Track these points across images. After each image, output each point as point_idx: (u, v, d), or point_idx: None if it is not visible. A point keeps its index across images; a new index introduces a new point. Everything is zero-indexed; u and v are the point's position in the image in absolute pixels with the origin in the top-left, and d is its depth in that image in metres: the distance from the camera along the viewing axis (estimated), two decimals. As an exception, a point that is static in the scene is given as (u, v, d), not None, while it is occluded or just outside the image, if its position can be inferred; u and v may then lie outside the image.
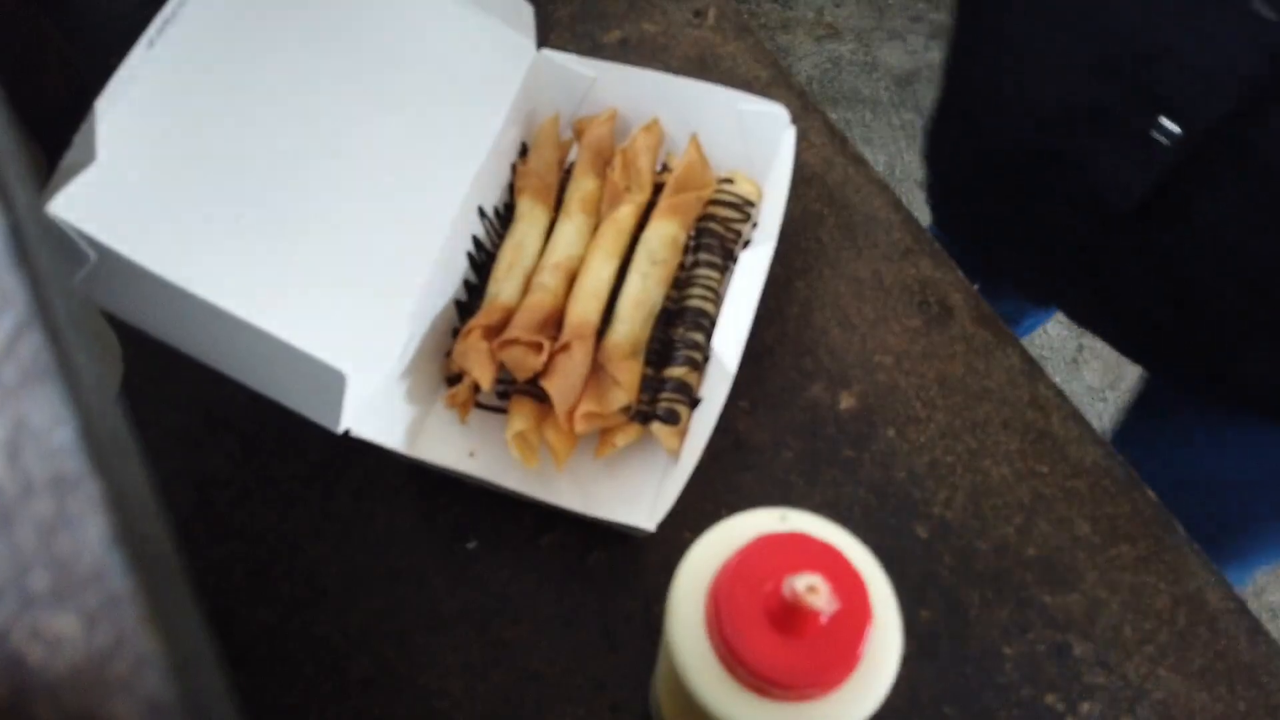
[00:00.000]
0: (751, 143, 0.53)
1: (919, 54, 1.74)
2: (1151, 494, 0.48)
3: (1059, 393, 0.50)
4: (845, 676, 0.28)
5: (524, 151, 0.55)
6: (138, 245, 0.36)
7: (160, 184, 0.39)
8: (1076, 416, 0.50)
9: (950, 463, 0.49)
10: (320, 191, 0.45)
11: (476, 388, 0.48)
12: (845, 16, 1.79)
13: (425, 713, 0.43)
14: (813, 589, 0.27)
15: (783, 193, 0.49)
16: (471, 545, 0.47)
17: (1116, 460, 0.49)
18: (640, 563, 0.47)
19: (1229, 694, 0.44)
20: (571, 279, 0.50)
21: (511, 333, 0.47)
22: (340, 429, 0.42)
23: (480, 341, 0.47)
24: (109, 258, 0.36)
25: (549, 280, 0.49)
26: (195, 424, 0.49)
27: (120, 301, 0.39)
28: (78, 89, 0.59)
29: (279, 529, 0.47)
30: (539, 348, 0.47)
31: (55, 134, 0.56)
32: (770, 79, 0.60)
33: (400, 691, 0.44)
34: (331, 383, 0.41)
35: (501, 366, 0.47)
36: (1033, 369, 0.51)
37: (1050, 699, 0.44)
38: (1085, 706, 0.44)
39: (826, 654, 0.28)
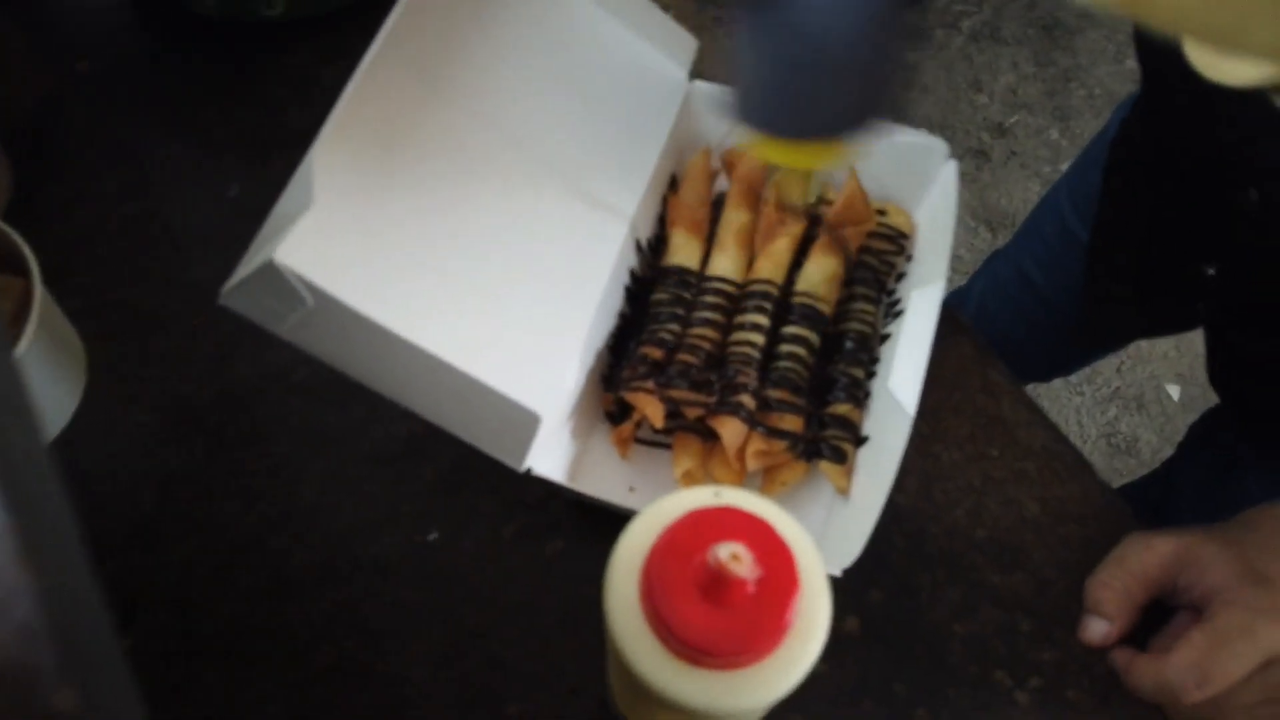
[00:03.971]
0: (904, 174, 0.53)
1: (896, 55, 1.76)
2: (1100, 477, 0.49)
3: (1010, 377, 0.51)
4: (775, 644, 0.29)
5: (673, 183, 0.56)
6: (352, 291, 0.37)
7: (362, 228, 0.41)
8: (1026, 401, 0.51)
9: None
10: (495, 234, 0.46)
11: (639, 424, 0.48)
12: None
13: (390, 701, 0.44)
14: (735, 557, 0.28)
15: (949, 228, 0.49)
16: (433, 537, 0.48)
17: (1066, 443, 0.50)
18: (598, 551, 0.47)
19: (1172, 667, 0.45)
20: (730, 313, 0.51)
21: (678, 370, 0.48)
22: (524, 468, 0.43)
23: (648, 380, 0.48)
24: (325, 302, 0.37)
25: (709, 314, 0.50)
26: (160, 423, 0.50)
27: (324, 343, 0.39)
28: (43, 96, 0.60)
29: (242, 523, 0.47)
30: (708, 386, 0.47)
31: (23, 143, 0.57)
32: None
33: (365, 680, 0.44)
34: (523, 422, 0.41)
35: (669, 402, 0.47)
36: (983, 355, 0.52)
37: (999, 675, 0.45)
38: (1033, 681, 0.45)
39: (755, 622, 0.29)
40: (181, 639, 0.45)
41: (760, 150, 0.35)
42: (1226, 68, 0.30)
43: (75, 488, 0.48)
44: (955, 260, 1.54)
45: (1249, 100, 0.22)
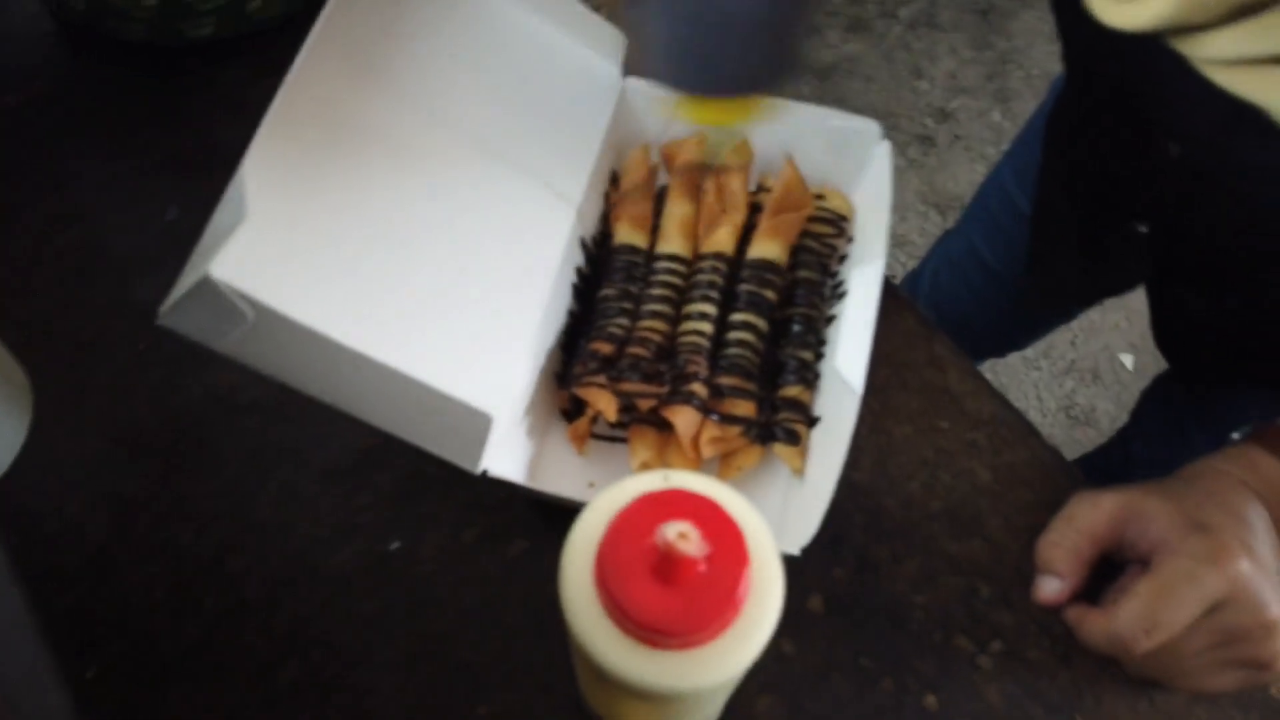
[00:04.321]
0: (839, 158, 0.54)
1: (837, 48, 1.78)
2: (1046, 440, 0.50)
3: (954, 350, 0.52)
4: (729, 619, 0.30)
5: (614, 179, 0.56)
6: (293, 302, 0.37)
7: (300, 238, 0.40)
8: (972, 371, 0.52)
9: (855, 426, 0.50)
10: (438, 233, 0.46)
11: (594, 419, 0.48)
12: (762, 15, 1.81)
13: (357, 712, 0.44)
14: (683, 535, 0.28)
15: (885, 207, 0.50)
16: (394, 546, 0.48)
17: (1012, 410, 0.51)
18: (561, 548, 0.48)
19: (1128, 621, 0.46)
20: (678, 304, 0.51)
21: (629, 363, 0.48)
22: (479, 470, 0.42)
23: (599, 374, 0.48)
24: (267, 316, 0.36)
25: (657, 307, 0.50)
26: (109, 449, 0.49)
27: (269, 358, 0.39)
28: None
29: (199, 546, 0.47)
30: (660, 377, 0.47)
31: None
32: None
33: (330, 693, 0.44)
34: (475, 424, 0.41)
35: (622, 396, 0.47)
36: (927, 330, 0.53)
37: (961, 641, 0.45)
38: (995, 645, 0.45)
39: (708, 599, 0.29)
40: (144, 666, 0.44)
41: (681, 109, 0.36)
42: (1118, 11, 0.31)
43: (26, 522, 0.48)
44: (908, 245, 1.56)
45: (1157, 51, 0.23)
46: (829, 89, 1.73)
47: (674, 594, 0.29)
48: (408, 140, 0.46)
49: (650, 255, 0.53)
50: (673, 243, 0.53)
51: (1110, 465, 0.82)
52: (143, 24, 0.57)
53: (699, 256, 0.52)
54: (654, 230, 0.54)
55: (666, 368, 0.48)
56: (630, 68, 0.36)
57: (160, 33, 0.59)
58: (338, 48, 0.43)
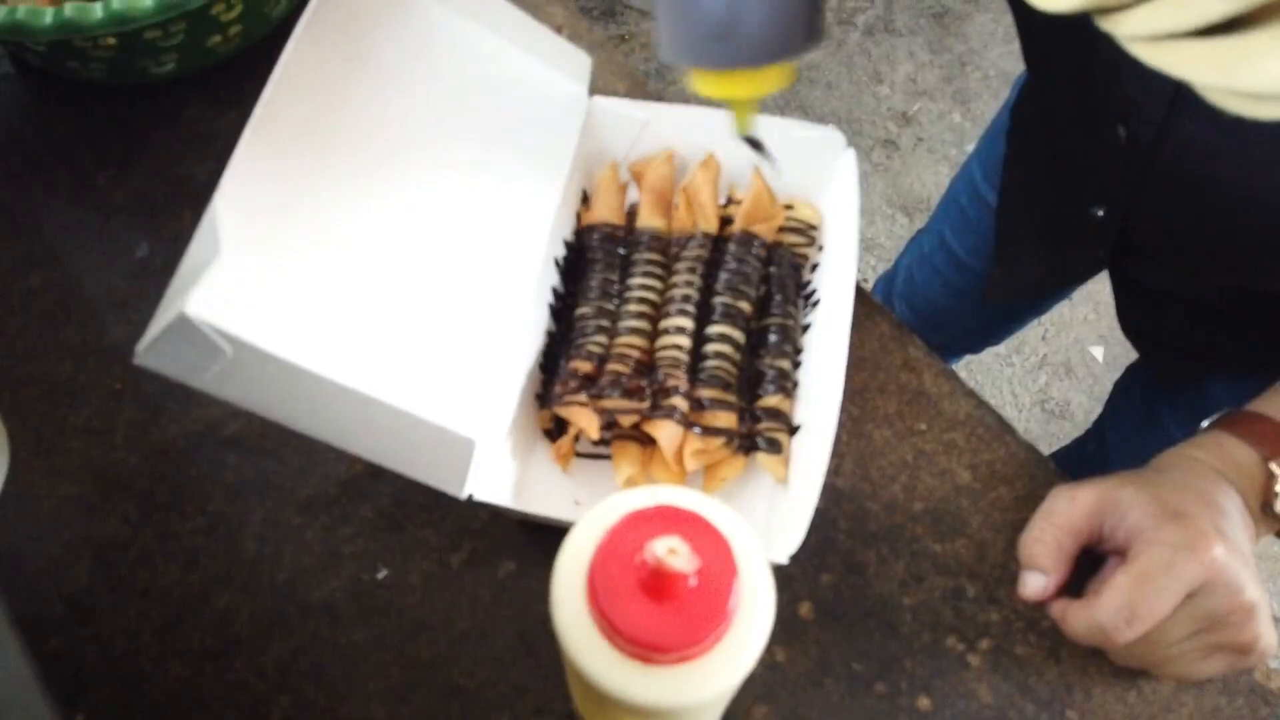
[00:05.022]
0: (806, 168, 0.54)
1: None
2: (1021, 437, 0.51)
3: (928, 351, 0.53)
4: (721, 634, 0.30)
5: (585, 198, 0.56)
6: (270, 336, 0.37)
7: (274, 272, 0.40)
8: (947, 372, 0.52)
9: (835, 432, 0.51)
10: (412, 260, 0.46)
11: (577, 437, 0.48)
12: (722, 27, 1.83)
13: (353, 744, 0.44)
14: (672, 551, 0.28)
15: (853, 214, 0.50)
16: (382, 575, 0.47)
17: (987, 409, 0.51)
18: (550, 568, 0.48)
19: (1113, 612, 0.46)
20: (654, 319, 0.51)
21: (609, 380, 0.48)
22: (464, 494, 0.42)
23: (580, 393, 0.48)
24: (245, 351, 0.36)
25: (635, 323, 0.51)
26: (89, 491, 0.49)
27: (249, 392, 0.38)
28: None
29: (184, 583, 0.47)
30: (640, 393, 0.48)
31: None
32: (627, 90, 0.62)
33: (325, 726, 0.44)
34: (458, 449, 0.41)
35: (603, 413, 0.48)
36: (901, 333, 0.54)
37: (951, 641, 0.46)
38: (984, 643, 0.46)
39: (700, 614, 0.29)
40: (134, 709, 0.44)
41: (699, 86, 0.36)
42: None
43: (6, 567, 0.47)
44: (876, 248, 1.57)
45: (1098, 35, 0.24)
46: (791, 97, 1.75)
47: (666, 609, 0.29)
48: (377, 169, 0.47)
49: (625, 269, 0.53)
50: (647, 258, 0.53)
51: (1087, 455, 0.83)
52: (104, 64, 0.57)
53: (673, 271, 0.53)
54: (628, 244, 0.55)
55: (646, 383, 0.48)
56: (658, 52, 0.36)
57: (122, 73, 0.58)
58: (306, 79, 0.43)
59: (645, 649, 0.29)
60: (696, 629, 0.29)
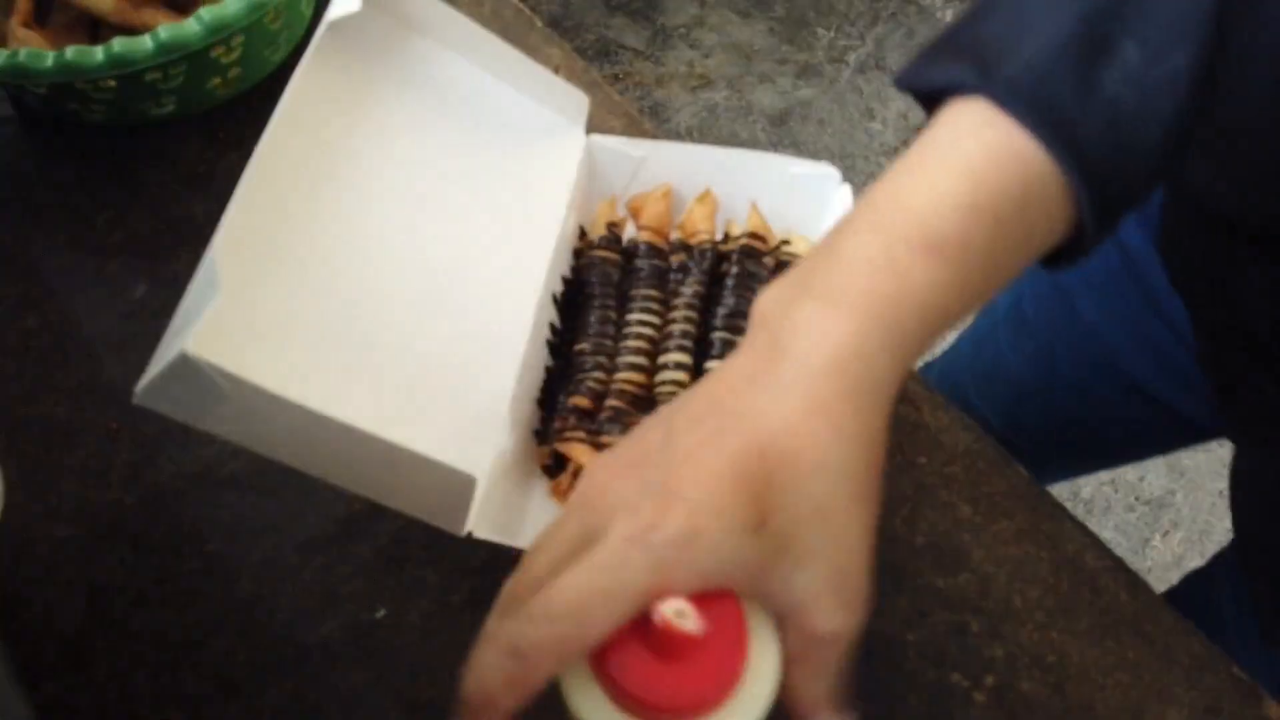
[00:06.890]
0: (802, 203, 0.55)
1: (789, 93, 1.82)
2: (1022, 469, 0.51)
3: (925, 385, 0.53)
4: (730, 688, 0.29)
5: (582, 233, 0.56)
6: (270, 374, 0.36)
7: (273, 311, 0.40)
8: (945, 405, 0.52)
9: (835, 467, 0.51)
10: (411, 296, 0.46)
11: (576, 473, 0.48)
12: (715, 66, 1.85)
13: (350, 789, 0.43)
14: (681, 614, 0.28)
15: None
16: (380, 615, 0.47)
17: (987, 441, 0.51)
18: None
19: (1117, 646, 0.46)
20: (653, 355, 0.51)
21: (609, 415, 0.48)
22: (464, 532, 0.42)
23: (579, 429, 0.48)
24: (244, 390, 0.36)
25: (633, 358, 0.50)
26: (83, 534, 0.48)
27: (248, 431, 0.38)
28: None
29: (180, 627, 0.46)
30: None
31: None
32: (623, 128, 0.63)
33: (322, 771, 0.43)
34: (459, 486, 0.41)
35: (602, 448, 0.47)
36: (900, 367, 0.54)
37: (955, 677, 0.45)
38: (988, 679, 0.45)
39: (707, 670, 0.29)
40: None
41: None
42: None
43: (3, 612, 0.46)
44: (871, 283, 1.58)
45: None
46: (784, 134, 1.77)
47: (674, 668, 0.29)
48: (376, 209, 0.47)
49: (623, 305, 0.53)
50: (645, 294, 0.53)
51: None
52: (104, 106, 0.57)
53: (671, 306, 0.53)
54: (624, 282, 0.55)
55: (646, 418, 0.48)
56: None
57: (122, 114, 0.59)
58: (306, 120, 0.44)
59: (653, 710, 0.29)
60: (706, 687, 0.29)
